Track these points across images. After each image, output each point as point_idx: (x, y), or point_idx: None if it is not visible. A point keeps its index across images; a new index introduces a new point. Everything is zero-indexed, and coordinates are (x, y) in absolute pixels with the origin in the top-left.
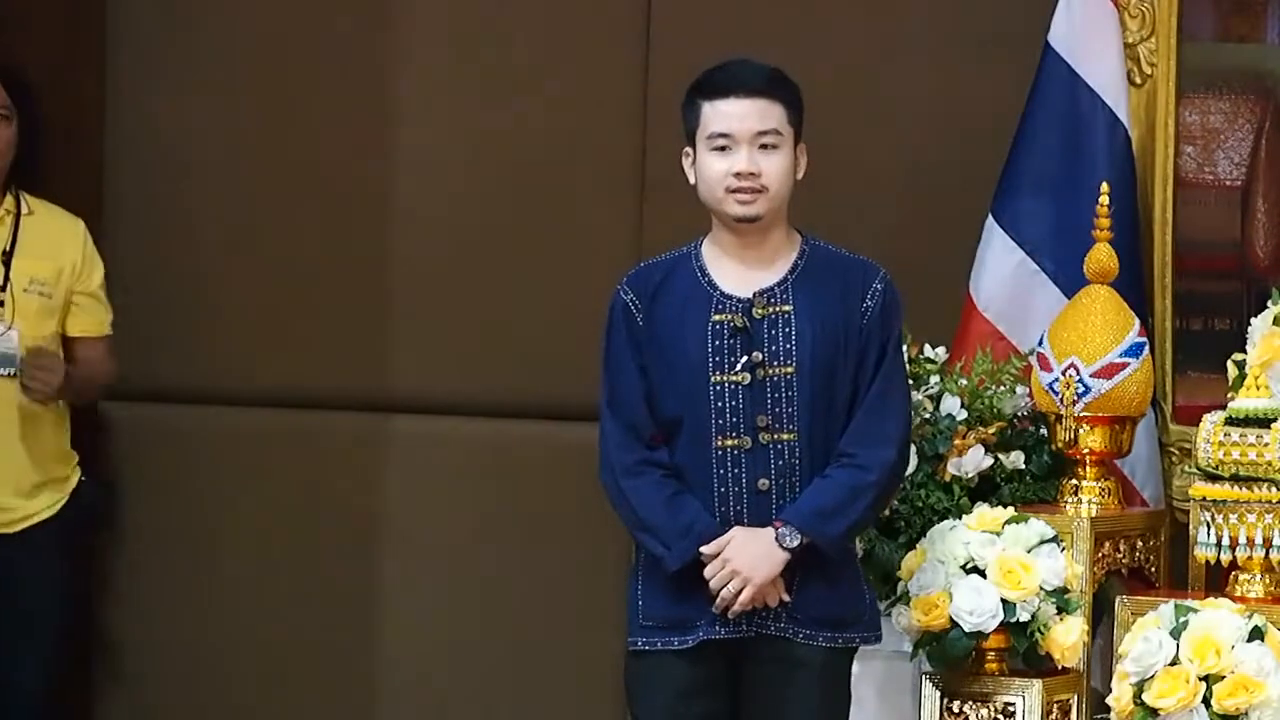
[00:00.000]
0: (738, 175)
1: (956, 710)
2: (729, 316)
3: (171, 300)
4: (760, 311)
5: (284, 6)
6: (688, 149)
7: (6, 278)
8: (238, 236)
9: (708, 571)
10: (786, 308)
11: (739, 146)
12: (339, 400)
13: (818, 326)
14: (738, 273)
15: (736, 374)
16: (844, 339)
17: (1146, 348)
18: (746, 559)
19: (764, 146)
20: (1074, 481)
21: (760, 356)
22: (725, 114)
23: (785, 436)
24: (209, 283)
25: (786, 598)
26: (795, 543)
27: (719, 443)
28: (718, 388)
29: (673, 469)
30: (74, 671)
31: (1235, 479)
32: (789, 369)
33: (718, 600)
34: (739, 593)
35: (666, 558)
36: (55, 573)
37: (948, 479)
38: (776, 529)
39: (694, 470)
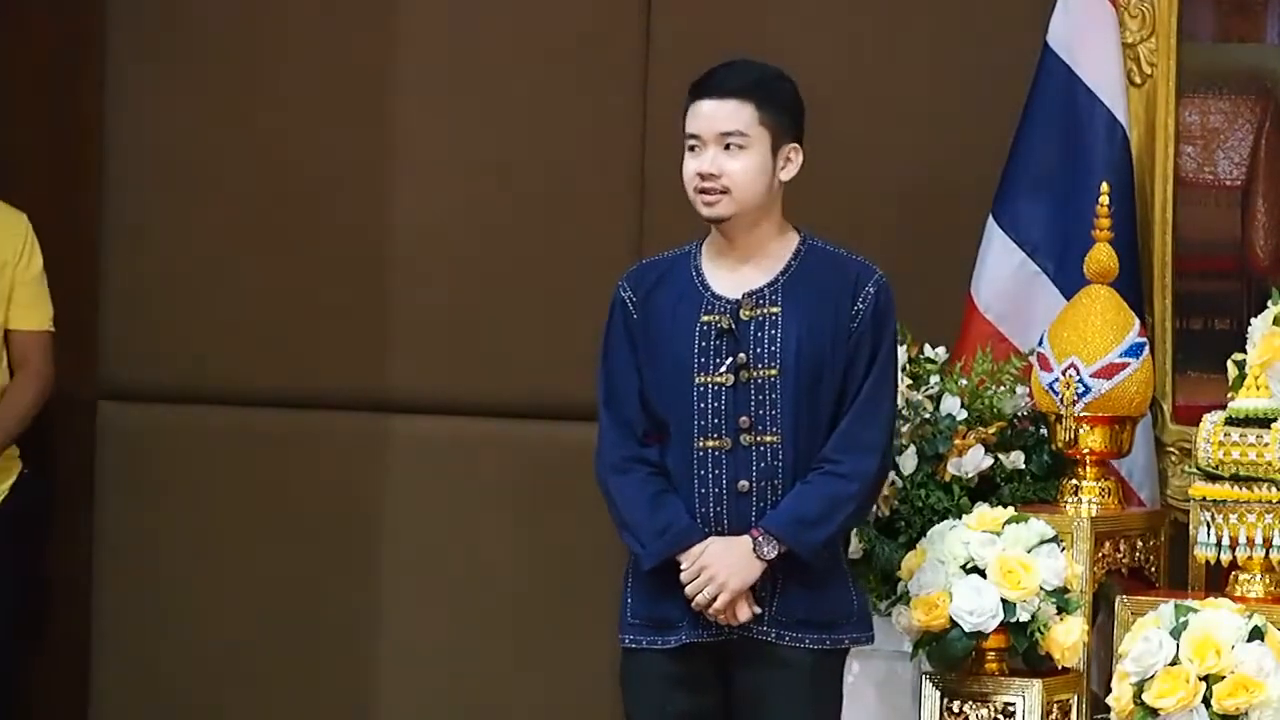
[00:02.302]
0: (700, 175)
1: (956, 710)
2: (717, 318)
3: (171, 300)
4: (747, 313)
5: (284, 7)
6: None
7: None
8: (238, 237)
9: (684, 577)
10: (774, 309)
11: (705, 147)
12: (339, 400)
13: (805, 329)
14: (730, 273)
15: (720, 375)
16: (831, 343)
17: (1146, 348)
18: (722, 566)
19: (729, 147)
20: (1074, 481)
21: (744, 358)
22: (696, 115)
23: (768, 439)
24: (209, 283)
25: (758, 610)
26: (773, 553)
27: (700, 443)
28: (701, 389)
29: (661, 468)
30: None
31: (1235, 479)
32: (773, 371)
33: (693, 603)
34: (715, 599)
35: (642, 556)
36: (2, 568)
37: (948, 479)
38: (754, 538)
39: (678, 470)
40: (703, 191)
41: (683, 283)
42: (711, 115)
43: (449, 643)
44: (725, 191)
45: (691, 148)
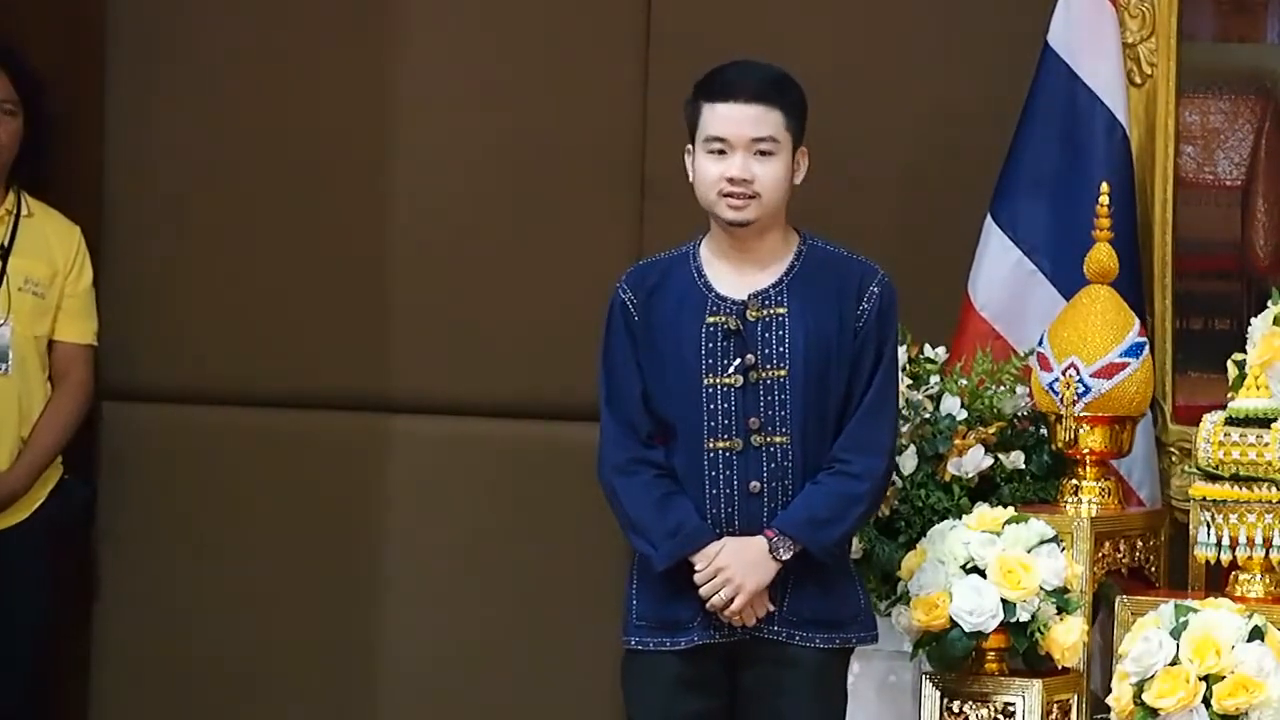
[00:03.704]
0: (730, 181)
1: (956, 710)
2: (723, 319)
3: (171, 300)
4: (754, 314)
5: (284, 6)
6: (689, 146)
7: (3, 274)
8: (237, 236)
9: (699, 578)
10: (781, 310)
11: (734, 152)
12: (339, 400)
13: (811, 329)
14: (734, 274)
15: (729, 376)
16: (837, 342)
17: (1146, 348)
18: (738, 567)
19: (759, 153)
20: (1074, 481)
21: (753, 359)
22: (723, 118)
23: (778, 439)
24: (209, 283)
25: (771, 607)
26: (788, 554)
27: (710, 445)
28: (710, 390)
29: (667, 469)
30: (71, 671)
31: (1235, 479)
32: (781, 372)
33: (708, 604)
34: (730, 600)
35: (654, 557)
36: (34, 572)
37: (948, 479)
38: (769, 539)
39: (687, 471)
40: (731, 196)
41: (684, 284)
42: (741, 120)
43: (449, 643)
44: (755, 197)
45: (719, 151)
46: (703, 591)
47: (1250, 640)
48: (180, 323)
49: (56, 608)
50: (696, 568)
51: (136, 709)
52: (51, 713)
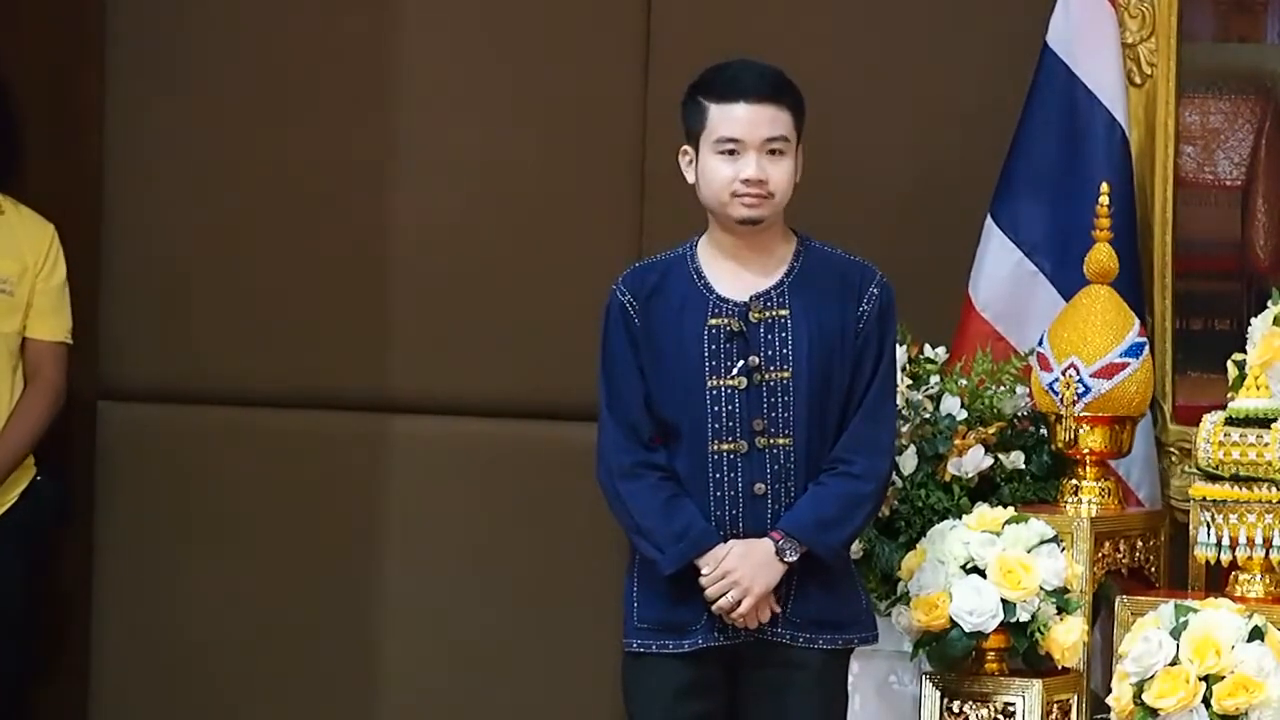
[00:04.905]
0: (745, 182)
1: (956, 710)
2: (726, 320)
3: (171, 300)
4: (757, 315)
5: (285, 6)
6: (686, 148)
7: None
8: (237, 236)
9: (705, 581)
10: (783, 312)
11: (748, 152)
12: (339, 400)
13: (814, 330)
14: (734, 275)
15: (733, 378)
16: (840, 343)
17: (1146, 348)
18: (746, 569)
19: (772, 152)
20: (1074, 481)
21: (757, 360)
22: (736, 119)
23: (781, 441)
24: (209, 282)
25: (777, 609)
26: (795, 556)
27: (715, 447)
28: (714, 392)
29: (670, 471)
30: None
31: (1235, 479)
32: (785, 373)
33: (714, 607)
34: (738, 603)
35: (660, 562)
36: (9, 574)
37: (948, 479)
38: (776, 541)
39: (690, 474)
40: (745, 195)
41: (684, 286)
42: (755, 120)
43: (449, 643)
44: (769, 196)
45: (731, 151)
46: (709, 594)
47: (1250, 640)
48: (179, 323)
49: (36, 609)
50: (703, 571)
51: (135, 709)
52: (50, 713)
